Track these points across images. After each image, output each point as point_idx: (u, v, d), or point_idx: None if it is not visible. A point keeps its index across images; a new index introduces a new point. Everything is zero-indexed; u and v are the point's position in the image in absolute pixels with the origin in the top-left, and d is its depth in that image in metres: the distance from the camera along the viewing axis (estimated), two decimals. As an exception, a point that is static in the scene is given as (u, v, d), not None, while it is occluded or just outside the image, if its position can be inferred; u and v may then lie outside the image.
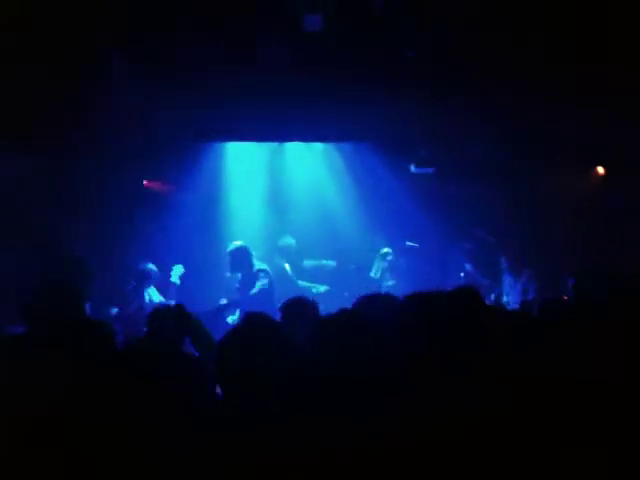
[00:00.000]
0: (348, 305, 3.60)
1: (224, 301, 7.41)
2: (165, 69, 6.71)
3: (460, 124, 7.62)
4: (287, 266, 8.44)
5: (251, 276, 7.36)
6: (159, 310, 4.49)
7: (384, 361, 2.77)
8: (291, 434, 2.42)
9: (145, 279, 6.99)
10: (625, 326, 3.45)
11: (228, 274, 7.79)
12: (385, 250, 8.67)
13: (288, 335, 3.05)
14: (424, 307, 3.07)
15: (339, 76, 6.74)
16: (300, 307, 4.26)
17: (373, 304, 3.73)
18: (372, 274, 8.68)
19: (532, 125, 7.54)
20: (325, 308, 4.88)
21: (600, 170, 8.66)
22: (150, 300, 6.88)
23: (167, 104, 7.02)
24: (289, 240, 8.67)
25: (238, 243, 7.55)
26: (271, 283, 7.34)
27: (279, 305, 4.46)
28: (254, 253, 7.59)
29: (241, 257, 7.43)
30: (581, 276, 4.78)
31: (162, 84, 6.82)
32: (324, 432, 2.42)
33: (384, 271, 8.64)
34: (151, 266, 7.13)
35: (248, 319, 3.22)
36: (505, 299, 7.48)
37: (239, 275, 7.55)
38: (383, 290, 7.49)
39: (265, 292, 7.17)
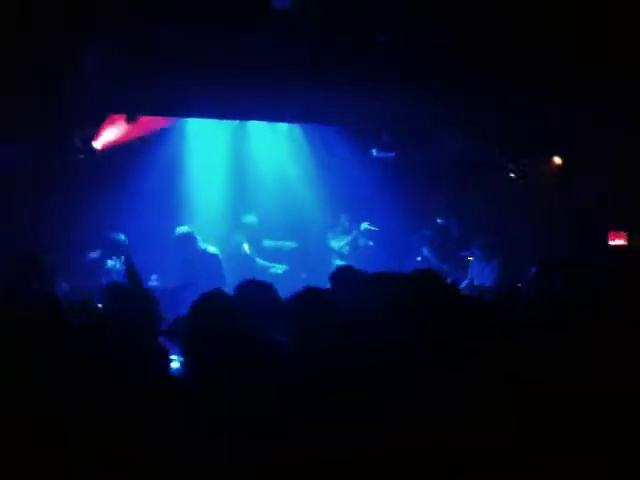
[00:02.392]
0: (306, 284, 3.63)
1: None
2: (128, 43, 6.61)
3: (427, 112, 7.64)
4: (246, 245, 8.42)
5: (196, 260, 7.36)
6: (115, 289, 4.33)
7: (352, 344, 2.80)
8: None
9: (114, 249, 6.90)
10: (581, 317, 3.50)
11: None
12: (365, 224, 8.72)
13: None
14: (388, 288, 3.11)
15: (306, 56, 6.69)
16: (254, 289, 4.27)
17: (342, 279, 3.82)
18: (337, 245, 8.76)
19: (498, 115, 7.62)
20: (282, 288, 4.90)
21: (557, 160, 8.81)
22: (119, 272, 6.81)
23: (128, 77, 6.91)
24: (252, 218, 8.65)
25: (184, 228, 7.57)
26: (219, 265, 7.37)
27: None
28: (199, 237, 7.55)
29: (185, 242, 7.41)
30: (543, 265, 4.87)
31: (124, 57, 6.71)
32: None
33: (346, 246, 8.73)
34: (121, 236, 7.07)
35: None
36: (473, 284, 7.58)
37: (182, 259, 7.51)
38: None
39: (214, 274, 7.17)
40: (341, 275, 4.26)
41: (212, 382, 2.63)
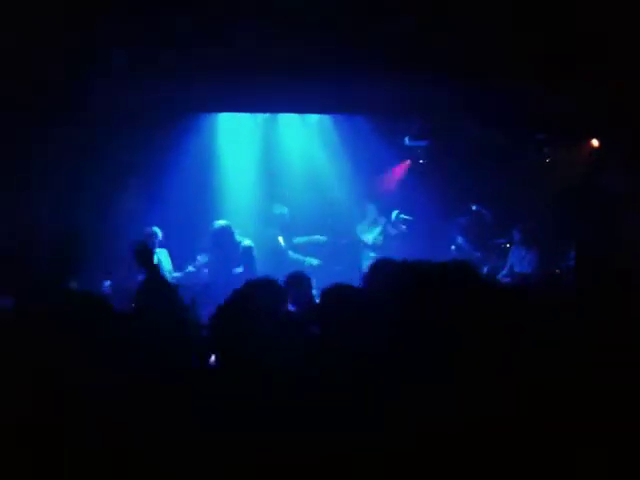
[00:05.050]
0: (340, 279, 3.60)
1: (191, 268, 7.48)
2: (155, 39, 6.62)
3: (457, 101, 7.55)
4: (280, 238, 8.41)
5: (234, 254, 7.36)
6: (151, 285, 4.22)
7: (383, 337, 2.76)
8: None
9: (152, 243, 6.95)
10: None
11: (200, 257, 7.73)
12: (395, 213, 8.65)
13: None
14: (418, 276, 3.06)
15: (335, 47, 6.64)
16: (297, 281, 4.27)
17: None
18: (370, 240, 8.69)
19: (529, 101, 7.50)
20: (317, 282, 4.89)
21: (594, 143, 8.64)
22: (159, 265, 6.86)
23: (159, 75, 6.93)
24: (282, 209, 8.62)
25: (221, 222, 7.53)
26: (253, 261, 7.34)
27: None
28: (239, 229, 7.56)
29: (223, 236, 7.42)
30: (580, 249, 4.77)
31: (153, 55, 6.73)
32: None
33: (379, 237, 8.67)
34: (156, 229, 7.10)
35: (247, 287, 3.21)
36: (515, 271, 7.50)
37: (220, 254, 7.52)
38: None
39: (247, 270, 7.16)
40: (375, 269, 4.19)
41: (241, 371, 2.61)
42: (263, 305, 3.00)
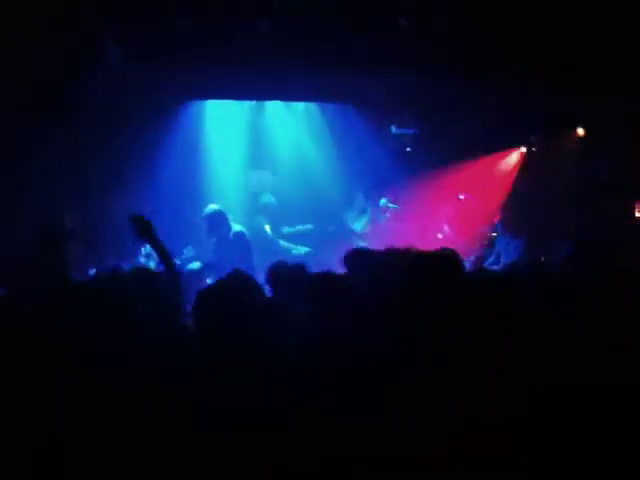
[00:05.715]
0: (329, 267, 3.62)
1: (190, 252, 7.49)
2: (145, 29, 6.60)
3: (444, 91, 7.58)
4: (267, 227, 8.42)
5: (227, 239, 7.34)
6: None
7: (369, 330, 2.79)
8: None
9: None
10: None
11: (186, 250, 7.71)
12: (383, 201, 8.66)
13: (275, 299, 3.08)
14: (405, 266, 3.10)
15: (322, 37, 6.65)
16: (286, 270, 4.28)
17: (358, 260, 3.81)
18: (358, 227, 8.72)
19: (516, 91, 7.54)
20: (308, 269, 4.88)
21: (580, 132, 8.69)
22: (149, 255, 6.85)
23: (146, 62, 6.91)
24: (269, 198, 8.62)
25: (214, 207, 7.50)
26: (249, 245, 7.31)
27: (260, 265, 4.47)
28: (230, 216, 7.55)
29: (217, 221, 7.39)
30: (578, 246, 4.78)
31: (142, 43, 6.71)
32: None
33: (366, 225, 8.69)
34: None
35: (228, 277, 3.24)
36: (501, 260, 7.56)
37: (214, 238, 7.50)
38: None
39: (243, 255, 7.14)
40: (354, 257, 4.24)
41: (222, 365, 2.63)
42: (241, 294, 3.00)
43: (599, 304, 3.23)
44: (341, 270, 4.25)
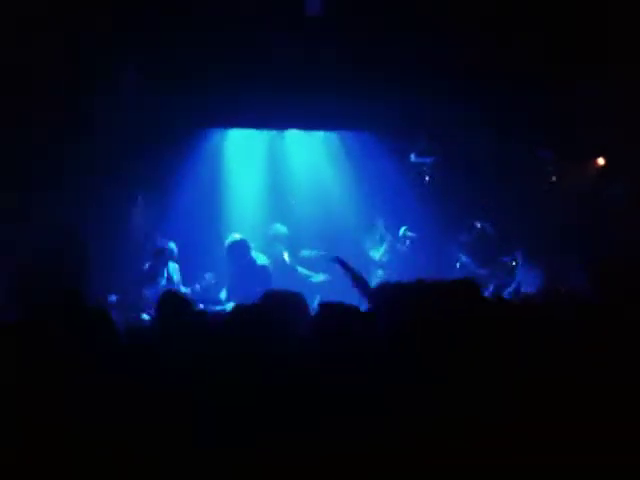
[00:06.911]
0: (347, 294, 3.61)
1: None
2: (166, 56, 6.70)
3: (461, 116, 7.59)
4: (286, 255, 8.39)
5: (249, 268, 7.31)
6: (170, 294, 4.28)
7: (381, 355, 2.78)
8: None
9: (165, 258, 6.97)
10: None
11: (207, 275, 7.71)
12: (403, 229, 8.63)
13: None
14: (422, 297, 3.08)
15: (340, 63, 6.71)
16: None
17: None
18: (377, 255, 8.67)
19: (533, 117, 7.54)
20: (324, 297, 4.88)
21: (600, 161, 8.64)
22: (170, 279, 6.87)
23: (167, 90, 7.00)
24: (280, 228, 8.55)
25: (237, 236, 7.48)
26: (269, 280, 7.27)
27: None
28: (252, 245, 7.53)
29: (238, 250, 7.36)
30: (594, 267, 4.74)
31: (162, 71, 6.81)
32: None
33: (385, 254, 8.63)
34: (171, 245, 7.10)
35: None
36: (521, 290, 7.49)
37: (234, 267, 7.47)
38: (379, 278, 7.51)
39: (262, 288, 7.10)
40: (380, 293, 4.17)
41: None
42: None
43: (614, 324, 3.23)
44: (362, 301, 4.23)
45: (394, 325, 3.03)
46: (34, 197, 6.96)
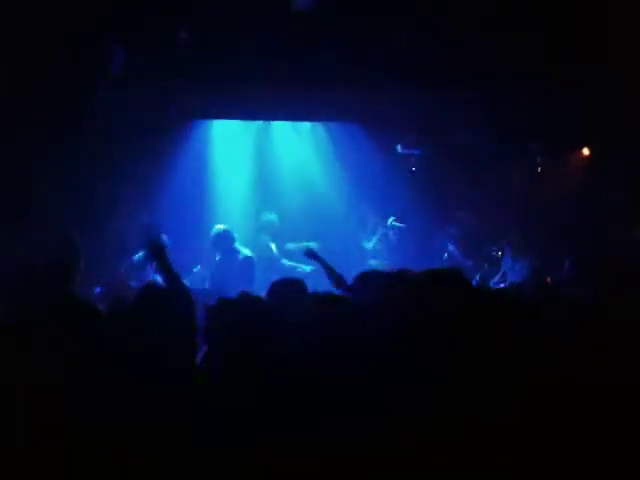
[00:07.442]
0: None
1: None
2: (151, 47, 6.68)
3: (448, 109, 7.61)
4: (273, 246, 8.40)
5: (231, 257, 7.33)
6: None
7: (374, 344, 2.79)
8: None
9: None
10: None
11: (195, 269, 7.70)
12: (391, 219, 8.65)
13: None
14: (410, 286, 3.09)
15: (327, 57, 6.71)
16: (287, 287, 4.25)
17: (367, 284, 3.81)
18: (369, 245, 8.69)
19: (520, 110, 7.56)
20: (311, 287, 4.86)
21: (585, 151, 8.69)
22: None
23: (152, 82, 6.97)
24: (270, 216, 8.56)
25: (221, 227, 7.50)
26: (253, 273, 7.31)
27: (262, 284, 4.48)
28: (237, 235, 7.54)
29: (222, 238, 7.39)
30: (579, 261, 4.77)
31: (148, 63, 6.78)
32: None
33: (378, 243, 8.65)
34: (163, 237, 7.07)
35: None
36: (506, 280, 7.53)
37: (218, 256, 7.49)
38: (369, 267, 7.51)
39: (245, 280, 7.13)
40: (362, 280, 4.20)
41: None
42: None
43: (599, 320, 3.25)
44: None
45: (391, 324, 3.04)
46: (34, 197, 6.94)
